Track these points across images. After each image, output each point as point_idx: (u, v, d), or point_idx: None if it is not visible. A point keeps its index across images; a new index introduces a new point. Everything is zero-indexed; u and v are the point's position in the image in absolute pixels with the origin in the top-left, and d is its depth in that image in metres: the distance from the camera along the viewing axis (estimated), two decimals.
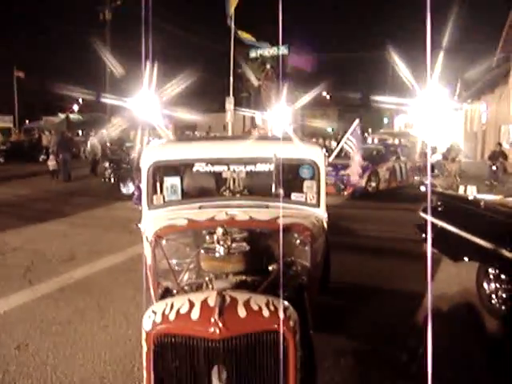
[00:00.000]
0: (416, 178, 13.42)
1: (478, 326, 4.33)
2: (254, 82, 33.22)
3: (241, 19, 17.70)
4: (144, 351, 1.75)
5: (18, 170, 19.27)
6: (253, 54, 30.07)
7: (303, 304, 2.34)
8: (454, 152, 16.98)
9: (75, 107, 44.89)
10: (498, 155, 14.16)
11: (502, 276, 4.32)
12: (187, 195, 3.31)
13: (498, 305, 4.36)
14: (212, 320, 1.60)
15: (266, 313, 1.69)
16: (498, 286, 4.39)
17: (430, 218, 5.10)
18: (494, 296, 4.41)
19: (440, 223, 5.26)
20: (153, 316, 1.73)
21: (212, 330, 1.60)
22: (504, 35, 19.85)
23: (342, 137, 6.15)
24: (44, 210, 10.33)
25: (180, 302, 1.73)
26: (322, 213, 3.19)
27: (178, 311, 1.69)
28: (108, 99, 30.41)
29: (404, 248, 6.75)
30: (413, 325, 4.34)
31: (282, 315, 1.71)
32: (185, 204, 3.20)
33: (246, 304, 1.70)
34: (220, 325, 1.59)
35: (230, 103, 17.81)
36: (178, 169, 3.35)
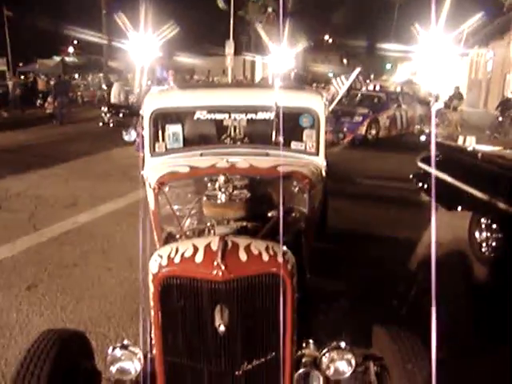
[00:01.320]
0: (417, 126, 13.35)
1: (467, 273, 4.51)
2: (255, 24, 32.19)
3: None
4: (151, 292, 1.87)
5: (14, 114, 19.09)
6: None
7: (301, 249, 2.45)
8: (456, 101, 16.77)
9: (70, 49, 43.62)
10: (509, 105, 13.66)
11: (494, 226, 4.45)
12: (189, 143, 3.35)
13: (487, 253, 4.53)
14: (215, 263, 1.71)
15: (265, 257, 1.80)
16: (488, 235, 4.53)
17: (433, 171, 5.17)
18: (484, 245, 4.57)
19: (437, 173, 5.34)
20: (159, 259, 1.84)
21: (215, 272, 1.71)
22: None
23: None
24: (44, 155, 10.33)
25: (185, 247, 1.83)
26: (320, 161, 3.26)
27: (182, 255, 1.80)
28: (105, 40, 29.55)
29: (401, 197, 6.87)
30: (406, 269, 4.53)
31: (280, 259, 1.82)
32: (186, 151, 3.26)
33: (247, 248, 1.81)
34: (222, 267, 1.70)
35: (229, 47, 17.42)
36: (180, 116, 3.38)
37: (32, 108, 20.47)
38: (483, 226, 4.60)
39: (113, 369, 1.92)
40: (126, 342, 1.94)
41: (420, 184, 5.71)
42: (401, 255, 4.81)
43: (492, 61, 24.25)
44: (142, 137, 3.34)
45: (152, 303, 1.87)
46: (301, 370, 1.94)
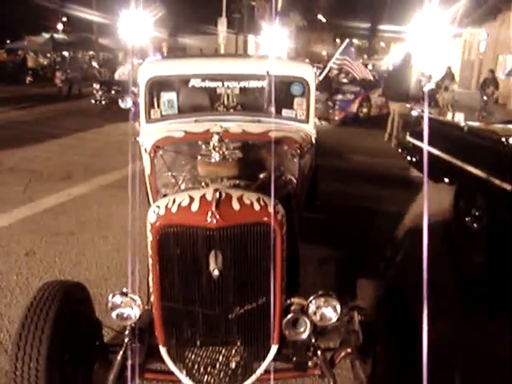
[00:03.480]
0: (407, 105, 13.44)
1: (451, 242, 4.68)
2: (247, 1, 31.77)
3: None
4: (149, 241, 1.99)
5: (3, 92, 18.86)
6: None
7: (291, 210, 2.58)
8: (448, 81, 16.85)
9: (59, 26, 42.81)
10: (490, 83, 13.91)
11: (476, 195, 4.60)
12: (183, 110, 3.45)
13: (470, 222, 4.69)
14: (210, 212, 1.83)
15: (256, 206, 1.92)
16: (471, 205, 4.69)
17: (425, 147, 5.27)
18: (468, 215, 4.73)
19: (425, 147, 5.48)
20: (157, 210, 1.95)
21: (209, 220, 1.83)
22: None
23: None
24: (36, 131, 10.32)
25: (181, 197, 1.95)
26: (310, 128, 3.38)
27: (179, 205, 1.91)
28: (95, 17, 29.09)
29: (390, 173, 7.03)
30: (392, 237, 4.70)
31: (271, 209, 1.94)
32: (181, 118, 3.35)
33: (240, 199, 1.92)
34: (217, 216, 1.82)
35: (222, 25, 17.28)
36: (175, 84, 3.47)
37: (21, 86, 20.30)
38: (467, 197, 4.76)
39: (113, 314, 2.05)
40: (125, 289, 2.07)
41: (409, 158, 5.84)
42: (388, 225, 4.98)
43: (485, 42, 24.28)
44: (138, 106, 3.42)
45: (150, 252, 2.00)
46: (289, 316, 2.08)
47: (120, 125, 10.60)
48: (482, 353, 2.89)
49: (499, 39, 21.12)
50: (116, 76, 15.58)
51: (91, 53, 31.31)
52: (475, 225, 4.63)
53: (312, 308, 2.07)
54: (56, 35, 36.58)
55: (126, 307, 2.03)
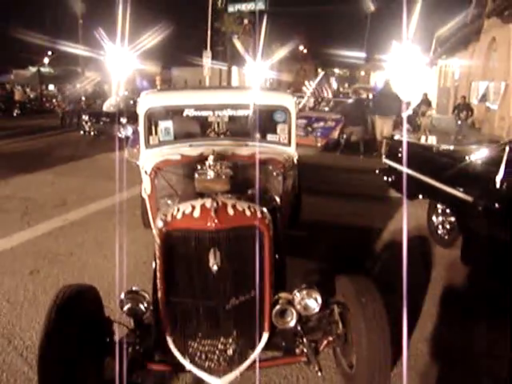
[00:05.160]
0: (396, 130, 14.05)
1: (426, 252, 5.07)
2: (231, 35, 32.85)
3: None
4: (157, 245, 2.34)
5: None
6: (231, 9, 29.69)
7: (275, 218, 2.95)
8: (425, 106, 17.65)
9: (45, 60, 43.46)
10: (463, 108, 14.69)
11: (447, 210, 5.04)
12: (179, 136, 3.85)
13: (443, 235, 5.11)
14: (209, 217, 2.19)
15: (248, 212, 2.30)
16: (444, 219, 5.12)
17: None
18: (440, 227, 5.15)
19: (399, 167, 5.94)
20: (164, 217, 2.31)
21: (209, 223, 2.19)
22: None
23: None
24: (28, 161, 10.59)
25: (184, 206, 2.31)
26: (292, 151, 3.79)
27: (183, 212, 2.27)
28: (82, 51, 29.75)
29: (370, 192, 7.47)
30: (371, 250, 5.08)
31: (259, 215, 2.32)
32: (177, 143, 3.75)
33: (233, 206, 2.30)
34: (215, 220, 2.19)
35: (207, 57, 17.96)
36: (171, 114, 3.87)
37: (10, 119, 20.61)
38: (439, 211, 5.19)
39: (124, 309, 2.37)
40: (134, 288, 2.40)
41: (385, 178, 6.29)
42: (368, 239, 5.37)
43: (458, 70, 25.43)
44: (137, 133, 3.81)
45: (158, 254, 2.34)
46: (278, 307, 2.43)
47: (109, 154, 10.97)
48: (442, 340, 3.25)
49: (471, 67, 22.18)
50: (104, 107, 16.07)
51: (78, 85, 31.81)
52: (447, 236, 5.05)
53: (297, 299, 2.42)
54: (42, 69, 37.14)
55: (135, 303, 2.35)
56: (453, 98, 25.79)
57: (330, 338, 2.58)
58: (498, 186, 3.65)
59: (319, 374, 2.47)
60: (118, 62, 18.88)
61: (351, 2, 39.52)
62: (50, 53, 42.84)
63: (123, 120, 13.74)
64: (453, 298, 3.98)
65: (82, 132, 14.90)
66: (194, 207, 2.28)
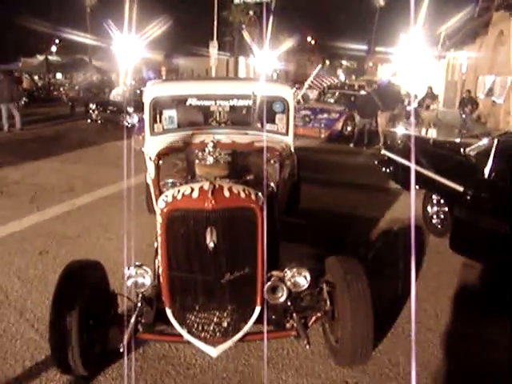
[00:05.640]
0: (390, 123, 14.15)
1: (420, 240, 5.24)
2: (238, 25, 32.85)
3: None
4: (158, 223, 2.53)
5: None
6: (237, 1, 29.70)
7: (272, 202, 3.13)
8: (429, 100, 17.68)
9: (53, 48, 43.61)
10: (467, 102, 14.71)
11: (441, 201, 5.20)
12: (182, 124, 4.03)
13: (437, 224, 5.28)
14: (206, 198, 2.38)
15: (242, 195, 2.49)
16: (438, 209, 5.28)
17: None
18: (434, 217, 5.32)
19: (397, 159, 6.10)
20: (165, 198, 2.50)
21: (206, 204, 2.38)
22: None
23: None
24: (36, 148, 10.82)
25: (184, 188, 2.50)
26: (290, 140, 3.97)
27: (183, 193, 2.46)
28: (89, 40, 29.90)
29: (369, 182, 7.62)
30: (366, 238, 5.26)
31: (253, 197, 2.51)
32: (180, 131, 3.93)
33: (229, 188, 2.48)
34: (212, 201, 2.37)
35: (213, 47, 18.04)
36: (174, 103, 4.05)
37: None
38: (434, 201, 5.35)
39: (129, 283, 2.57)
40: (138, 263, 2.60)
41: (384, 168, 6.45)
42: (365, 227, 5.54)
43: (466, 63, 25.34)
44: (143, 121, 4.00)
45: (159, 232, 2.54)
46: (269, 283, 2.62)
47: (116, 142, 11.19)
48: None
49: (479, 61, 22.12)
50: (111, 97, 16.29)
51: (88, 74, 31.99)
52: (440, 226, 5.21)
53: (287, 276, 2.61)
54: (50, 57, 37.28)
55: (139, 277, 2.55)
56: (460, 92, 25.72)
57: (319, 314, 2.78)
58: (486, 176, 3.81)
59: (308, 347, 2.66)
60: (126, 51, 19.00)
61: None
62: (57, 41, 42.95)
63: (130, 109, 13.95)
64: (441, 283, 4.16)
65: (88, 120, 15.10)
66: (192, 189, 2.47)
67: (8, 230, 5.31)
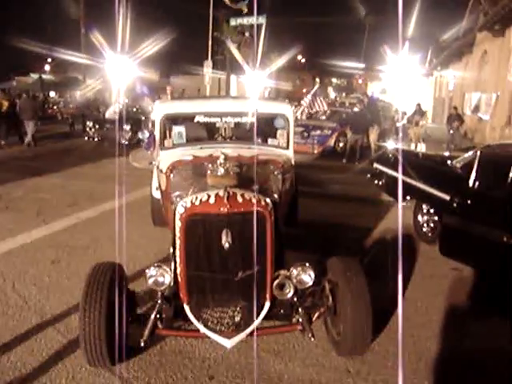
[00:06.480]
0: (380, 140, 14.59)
1: (411, 248, 5.54)
2: (230, 45, 33.50)
3: None
4: (178, 227, 2.82)
5: None
6: (233, 23, 30.47)
7: (276, 210, 3.42)
8: (418, 116, 18.21)
9: (46, 67, 43.97)
10: (454, 118, 15.26)
11: (431, 210, 5.53)
12: (190, 140, 4.34)
13: (427, 232, 5.60)
14: (222, 203, 2.68)
15: (254, 200, 2.79)
16: (428, 218, 5.61)
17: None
18: (425, 225, 5.64)
19: (389, 171, 6.45)
20: (184, 204, 2.79)
21: (222, 209, 2.67)
22: (470, 6, 20.96)
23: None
24: (37, 165, 11.04)
25: (201, 195, 2.79)
26: (290, 154, 4.30)
27: (200, 200, 2.76)
28: (84, 59, 30.32)
29: (362, 195, 7.97)
30: (361, 245, 5.56)
31: (263, 203, 2.82)
32: (189, 146, 4.24)
33: (242, 195, 2.79)
34: (227, 206, 2.67)
35: (208, 66, 18.46)
36: (183, 119, 4.37)
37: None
38: (424, 211, 5.67)
39: (150, 281, 2.84)
40: (158, 263, 2.87)
41: (376, 181, 6.79)
42: (359, 235, 5.85)
43: (453, 81, 26.11)
44: (153, 136, 4.30)
45: (178, 234, 2.82)
46: (277, 281, 2.91)
47: (114, 160, 11.43)
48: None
49: (465, 79, 22.84)
50: (107, 114, 16.57)
51: (78, 92, 32.31)
52: (430, 234, 5.53)
53: (293, 274, 2.90)
54: (44, 76, 37.58)
55: (160, 276, 2.82)
56: (447, 109, 26.41)
57: (322, 310, 3.06)
58: (470, 185, 4.15)
59: (312, 339, 2.93)
60: (119, 70, 19.40)
61: (348, 14, 40.38)
62: (49, 60, 43.26)
63: (126, 127, 14.28)
64: (432, 285, 4.45)
65: (86, 138, 15.38)
66: (209, 196, 2.76)
67: (18, 241, 5.53)
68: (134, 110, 16.60)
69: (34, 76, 37.25)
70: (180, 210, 2.80)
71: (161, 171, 3.94)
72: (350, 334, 2.91)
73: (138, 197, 7.68)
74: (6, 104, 14.87)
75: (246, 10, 21.84)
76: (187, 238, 2.78)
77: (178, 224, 2.80)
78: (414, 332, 3.54)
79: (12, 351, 3.20)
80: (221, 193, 2.75)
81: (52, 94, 36.37)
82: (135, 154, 12.38)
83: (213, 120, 4.33)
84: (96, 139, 15.18)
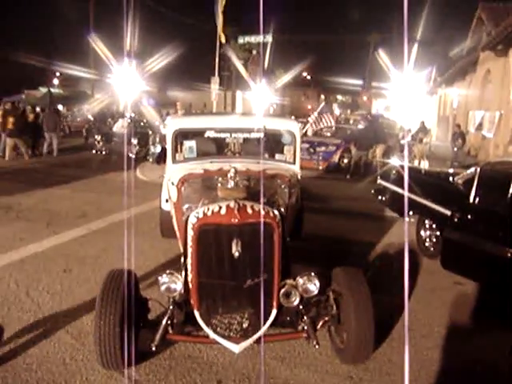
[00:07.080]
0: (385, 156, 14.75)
1: (414, 262, 5.65)
2: (236, 61, 34.05)
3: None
4: (190, 236, 2.96)
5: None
6: (240, 41, 31.27)
7: (283, 221, 3.57)
8: (422, 134, 18.40)
9: (55, 81, 44.62)
10: (458, 136, 15.44)
11: (433, 225, 5.65)
12: (201, 154, 4.52)
13: (429, 247, 5.71)
14: (233, 214, 2.83)
15: (263, 212, 2.93)
16: (430, 233, 5.73)
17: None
18: (427, 240, 5.76)
19: (392, 187, 6.59)
20: (197, 214, 2.94)
21: (233, 219, 2.82)
22: (473, 26, 21.32)
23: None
24: (46, 177, 11.24)
25: (212, 206, 2.95)
26: (297, 168, 4.47)
27: (212, 210, 2.91)
28: (94, 75, 30.87)
29: (366, 210, 8.09)
30: (365, 259, 5.68)
31: (272, 214, 2.96)
32: (199, 160, 4.42)
33: (252, 207, 2.93)
34: (237, 216, 2.82)
35: (215, 83, 18.69)
36: (194, 135, 4.56)
37: None
38: (427, 226, 5.80)
39: (162, 288, 2.97)
40: (170, 270, 3.01)
41: (380, 197, 6.93)
42: (362, 249, 5.97)
43: (457, 99, 26.36)
44: (165, 150, 4.48)
45: (190, 243, 2.96)
46: (284, 289, 3.04)
47: (121, 173, 11.63)
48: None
49: (469, 97, 23.08)
50: (114, 128, 16.85)
51: (87, 106, 32.79)
52: (432, 248, 5.64)
53: (299, 283, 3.03)
54: (52, 89, 38.12)
55: (172, 283, 2.96)
56: (451, 126, 26.61)
57: (326, 318, 3.18)
58: (471, 201, 4.28)
59: (317, 346, 3.06)
60: (126, 85, 19.80)
61: (354, 32, 40.98)
62: (58, 74, 43.90)
63: (134, 141, 14.52)
64: (434, 297, 4.56)
65: (94, 151, 15.62)
66: (220, 207, 2.92)
67: (30, 251, 5.68)
68: (142, 124, 16.88)
69: (43, 90, 37.79)
70: (192, 220, 2.95)
71: (172, 184, 4.10)
72: (353, 342, 3.03)
73: (146, 209, 7.84)
74: (31, 116, 15.80)
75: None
76: (199, 247, 2.92)
77: (190, 233, 2.95)
78: (415, 342, 3.65)
79: (27, 353, 3.33)
80: (231, 204, 2.90)
81: (60, 107, 36.90)
82: (142, 167, 12.60)
83: (222, 135, 4.52)
84: (104, 152, 15.41)
